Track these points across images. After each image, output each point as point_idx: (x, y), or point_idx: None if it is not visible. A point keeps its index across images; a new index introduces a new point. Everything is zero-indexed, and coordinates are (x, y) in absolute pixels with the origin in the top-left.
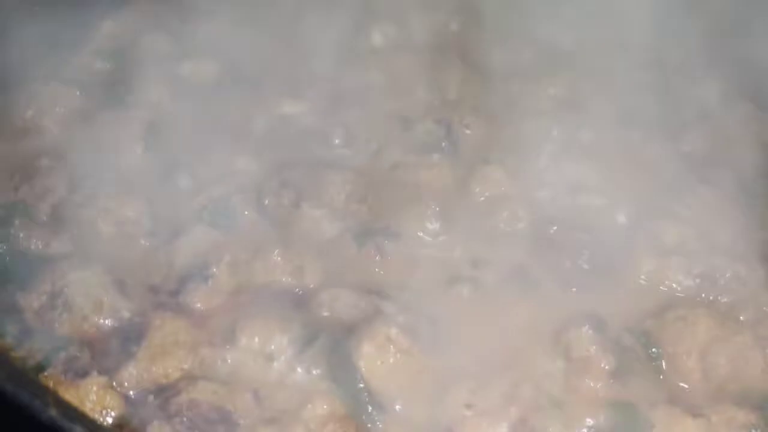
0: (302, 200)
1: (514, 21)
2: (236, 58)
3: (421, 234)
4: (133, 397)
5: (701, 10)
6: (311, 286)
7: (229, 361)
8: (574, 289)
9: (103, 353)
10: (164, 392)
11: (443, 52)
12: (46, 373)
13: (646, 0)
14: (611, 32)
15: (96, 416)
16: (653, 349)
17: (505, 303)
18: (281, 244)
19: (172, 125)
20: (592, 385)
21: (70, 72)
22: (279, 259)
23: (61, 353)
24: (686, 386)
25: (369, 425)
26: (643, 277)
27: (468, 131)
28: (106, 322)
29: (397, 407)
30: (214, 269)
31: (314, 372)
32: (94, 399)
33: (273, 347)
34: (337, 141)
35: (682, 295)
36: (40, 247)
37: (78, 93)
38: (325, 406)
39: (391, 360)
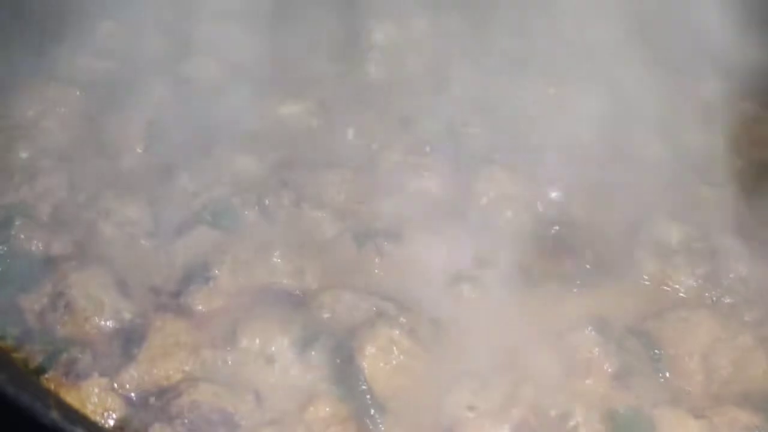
0: (302, 200)
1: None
2: (236, 57)
3: (421, 234)
4: (134, 398)
5: None
6: (312, 287)
7: (230, 362)
8: (576, 290)
9: (105, 355)
10: (165, 394)
11: (445, 50)
12: (47, 375)
13: None
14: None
15: (97, 418)
16: (655, 351)
17: (507, 303)
18: (282, 244)
19: (172, 125)
20: (594, 386)
21: (70, 72)
22: (280, 260)
23: (63, 355)
24: (689, 387)
25: (371, 427)
26: (645, 277)
27: (470, 130)
28: (107, 323)
29: (400, 409)
30: (216, 270)
31: (316, 373)
32: (95, 401)
33: (274, 349)
34: (337, 140)
35: (684, 295)
36: (41, 248)
37: (78, 93)
38: (327, 408)
39: (394, 362)
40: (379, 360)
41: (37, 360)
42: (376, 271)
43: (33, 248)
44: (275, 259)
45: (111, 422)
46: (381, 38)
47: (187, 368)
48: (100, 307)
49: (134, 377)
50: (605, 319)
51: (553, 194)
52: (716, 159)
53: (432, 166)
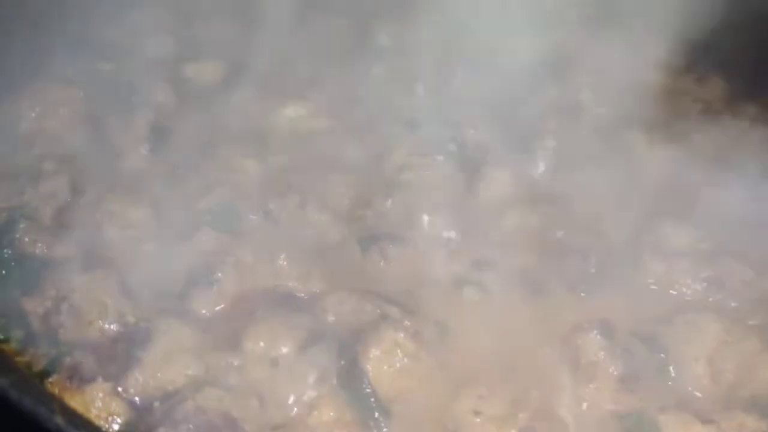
0: (307, 204)
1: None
2: (241, 59)
3: (426, 237)
4: (138, 403)
5: None
6: (316, 290)
7: (234, 366)
8: (582, 294)
9: (109, 359)
10: (170, 398)
11: (448, 51)
12: (51, 379)
13: None
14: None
15: (101, 423)
16: (661, 355)
17: (512, 307)
18: (286, 248)
19: (176, 127)
20: (600, 390)
21: (73, 73)
22: (284, 263)
23: (67, 359)
24: (695, 392)
25: (375, 431)
26: (651, 280)
27: (474, 132)
28: (112, 327)
29: (405, 413)
30: (220, 274)
31: (321, 377)
32: (99, 405)
33: (278, 352)
34: (341, 143)
35: (690, 299)
36: (45, 251)
37: (81, 95)
38: (331, 412)
39: (398, 365)
40: (384, 363)
41: (41, 364)
42: (380, 274)
43: (37, 251)
44: (280, 262)
45: (115, 427)
46: (386, 39)
47: (191, 372)
48: (104, 311)
49: (139, 381)
50: (611, 323)
51: (559, 197)
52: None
53: (436, 168)
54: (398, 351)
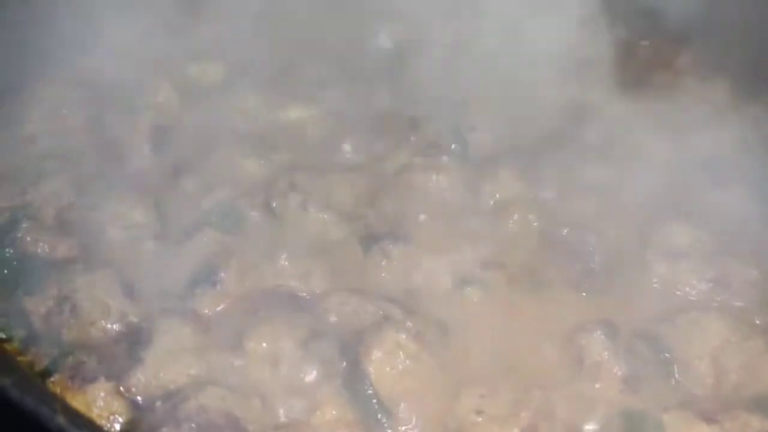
0: (309, 203)
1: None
2: (244, 60)
3: (428, 237)
4: (140, 402)
5: None
6: (318, 290)
7: (237, 366)
8: (585, 293)
9: (111, 358)
10: (172, 398)
11: (453, 52)
12: (53, 379)
13: None
14: None
15: (103, 422)
16: (665, 354)
17: (515, 307)
18: (289, 247)
19: (178, 127)
20: (604, 390)
21: (76, 74)
22: (287, 263)
23: (68, 358)
24: (699, 392)
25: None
26: (655, 280)
27: (477, 132)
28: (114, 326)
29: (407, 413)
30: (222, 273)
31: (323, 378)
32: (101, 405)
33: (281, 352)
34: (344, 144)
35: (694, 299)
36: (47, 251)
37: (84, 95)
38: (333, 412)
39: (401, 366)
40: (386, 364)
41: (43, 363)
42: (382, 274)
43: (39, 251)
44: (282, 262)
45: (117, 426)
46: (388, 41)
47: (193, 372)
48: (106, 311)
49: (141, 381)
50: (614, 323)
51: (563, 196)
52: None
53: (439, 168)
54: (400, 352)
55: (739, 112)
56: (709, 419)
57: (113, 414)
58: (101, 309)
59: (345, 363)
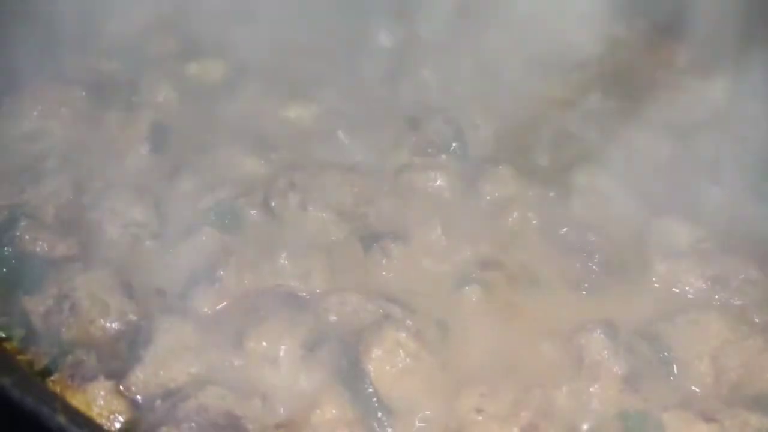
0: (308, 202)
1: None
2: (243, 58)
3: (428, 236)
4: (140, 401)
5: None
6: (318, 290)
7: (236, 365)
8: (585, 292)
9: (110, 357)
10: (172, 397)
11: (451, 48)
12: (52, 378)
13: None
14: None
15: (103, 421)
16: (665, 353)
17: (515, 306)
18: (288, 246)
19: (178, 126)
20: (603, 390)
21: (75, 72)
22: (286, 262)
23: (68, 357)
24: (698, 390)
25: (378, 430)
26: (654, 279)
27: (477, 131)
28: (113, 325)
29: (407, 412)
30: (221, 272)
31: (323, 376)
32: (101, 404)
33: (281, 351)
34: (343, 142)
35: (694, 297)
36: (46, 249)
37: (83, 93)
38: (334, 411)
39: (401, 365)
40: (386, 363)
41: (43, 362)
42: (383, 273)
43: (38, 249)
44: (282, 261)
45: (117, 425)
46: (388, 40)
47: (193, 370)
48: (105, 309)
49: (140, 379)
50: (614, 322)
51: (562, 195)
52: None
53: (439, 167)
54: (400, 351)
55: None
56: (708, 418)
57: (113, 413)
58: (100, 307)
59: (345, 362)
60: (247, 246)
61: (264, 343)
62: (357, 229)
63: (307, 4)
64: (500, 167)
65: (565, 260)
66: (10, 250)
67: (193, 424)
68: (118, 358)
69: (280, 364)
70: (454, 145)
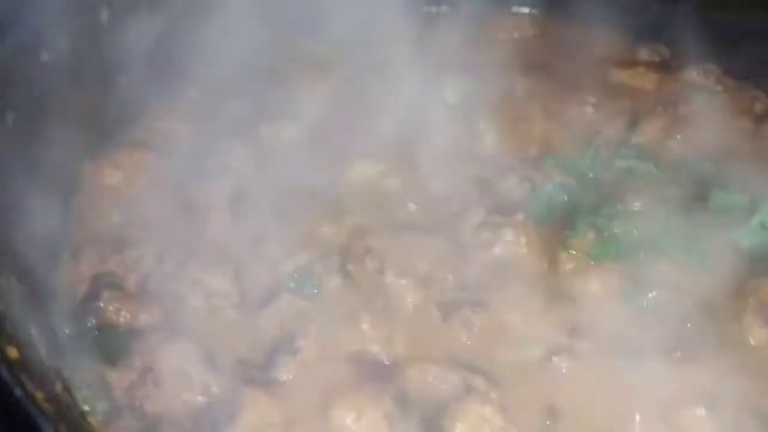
0: (386, 267)
1: None
2: (312, 118)
3: (510, 303)
4: None
5: None
6: (400, 357)
7: None
8: (681, 359)
9: None
10: None
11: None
12: None
13: None
14: None
15: None
16: None
17: (606, 375)
18: (368, 312)
19: (254, 190)
20: None
21: (154, 138)
22: (367, 327)
23: None
24: None
25: None
26: (752, 341)
27: (554, 184)
28: (197, 398)
29: None
30: (301, 341)
31: None
32: None
33: (365, 423)
34: (415, 204)
35: None
36: (129, 320)
37: (161, 159)
38: None
39: None
40: None
41: None
42: (464, 341)
43: (121, 320)
44: (363, 327)
45: None
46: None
47: None
48: (188, 382)
49: None
50: (715, 396)
51: (647, 259)
52: None
53: (516, 227)
54: (486, 427)
55: None
56: None
57: None
58: (183, 380)
59: None
60: (327, 312)
61: (349, 416)
62: (434, 294)
63: (373, 63)
64: (584, 228)
65: (656, 325)
66: (93, 321)
67: None
68: None
69: None
70: (529, 203)
